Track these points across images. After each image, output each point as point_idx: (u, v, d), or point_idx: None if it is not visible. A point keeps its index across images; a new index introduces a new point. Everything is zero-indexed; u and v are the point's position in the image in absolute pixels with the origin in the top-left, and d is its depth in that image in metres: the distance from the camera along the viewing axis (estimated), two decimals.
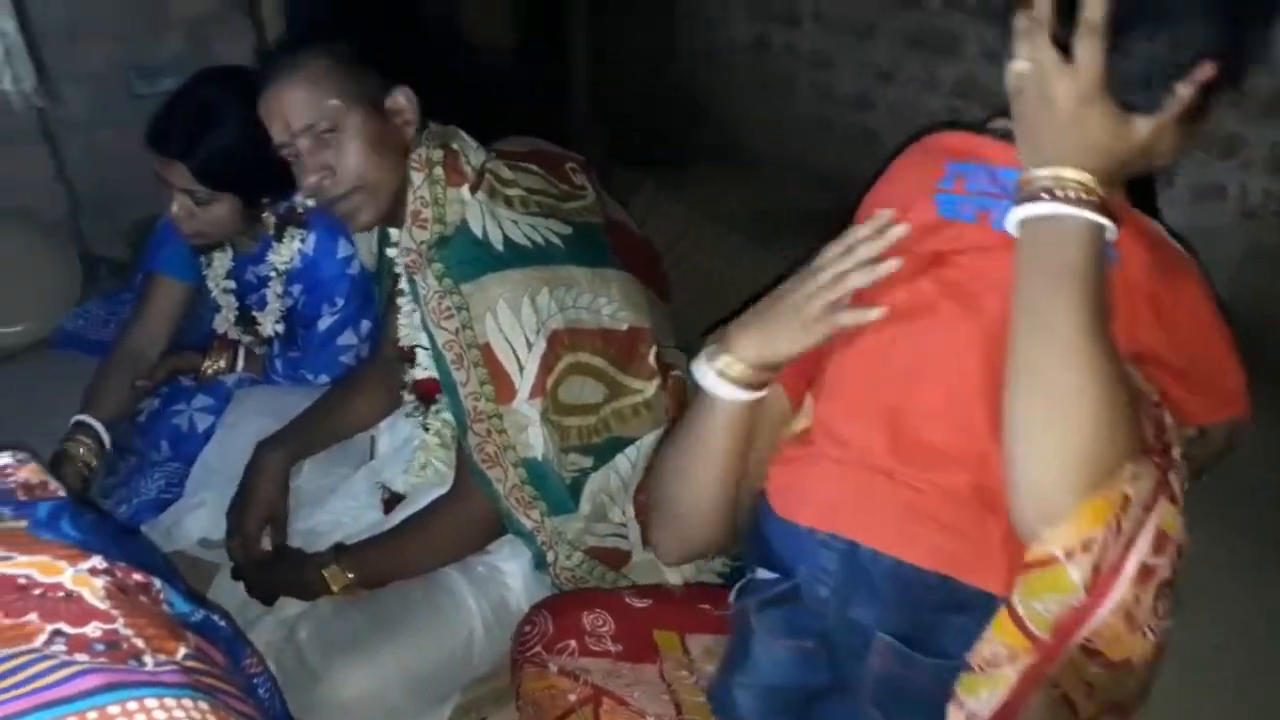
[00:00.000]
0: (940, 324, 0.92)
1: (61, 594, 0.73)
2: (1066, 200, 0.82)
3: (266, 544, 1.48)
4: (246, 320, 1.80)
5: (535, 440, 1.27)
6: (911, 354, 0.94)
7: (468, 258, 1.26)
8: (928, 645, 0.92)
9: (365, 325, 1.75)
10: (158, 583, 0.81)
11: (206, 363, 1.77)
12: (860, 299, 0.97)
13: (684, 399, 1.41)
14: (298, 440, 1.53)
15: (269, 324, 1.77)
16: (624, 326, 1.34)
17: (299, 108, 1.25)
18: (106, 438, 1.68)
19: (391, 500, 1.51)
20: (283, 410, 1.61)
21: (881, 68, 2.40)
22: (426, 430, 1.47)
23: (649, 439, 1.37)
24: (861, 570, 0.93)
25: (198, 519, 1.58)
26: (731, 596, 1.09)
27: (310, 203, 1.66)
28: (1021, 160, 0.87)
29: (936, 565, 0.90)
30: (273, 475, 1.48)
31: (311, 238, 1.70)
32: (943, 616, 0.91)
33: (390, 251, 1.45)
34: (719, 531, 1.07)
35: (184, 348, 1.83)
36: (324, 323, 1.73)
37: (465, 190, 1.29)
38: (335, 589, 1.34)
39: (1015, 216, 0.85)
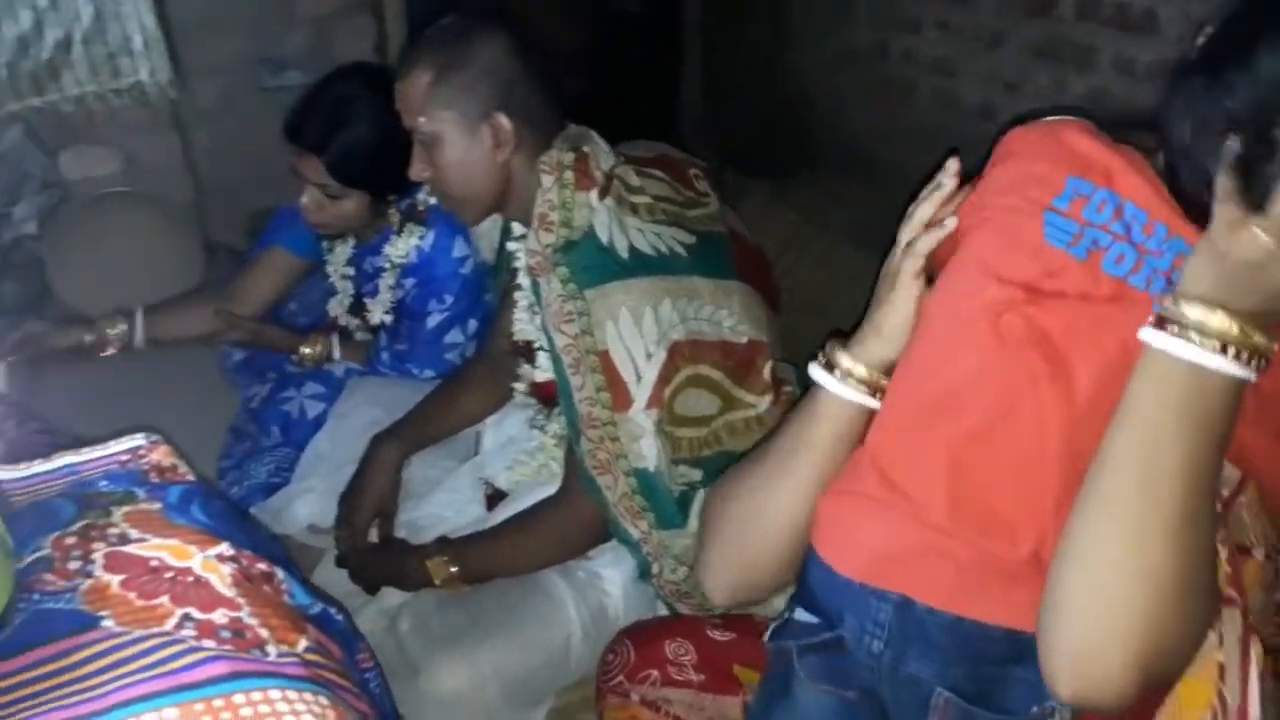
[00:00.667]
0: (1020, 379, 0.82)
1: (191, 579, 0.73)
2: (1236, 360, 0.68)
3: (373, 535, 1.50)
4: (358, 308, 1.84)
5: (648, 451, 1.25)
6: (983, 404, 0.84)
7: (593, 264, 1.25)
8: (989, 700, 0.86)
9: (473, 325, 1.77)
10: (280, 573, 0.81)
11: (305, 348, 1.80)
12: (937, 316, 0.89)
13: None
14: (412, 434, 1.55)
15: (378, 313, 1.81)
16: (743, 340, 1.32)
17: (403, 111, 1.31)
18: (140, 332, 1.78)
19: (494, 496, 1.51)
20: (392, 402, 1.63)
21: (1007, 78, 2.32)
22: (544, 432, 1.47)
23: None
24: (917, 623, 0.87)
25: (307, 504, 1.61)
26: (766, 637, 1.02)
27: (433, 200, 1.69)
28: (1185, 272, 0.72)
29: (1000, 620, 0.85)
30: (387, 468, 1.51)
31: (430, 235, 1.72)
32: (1003, 669, 0.85)
33: (511, 245, 1.46)
34: (786, 564, 0.99)
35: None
36: (432, 320, 1.75)
37: (594, 195, 1.27)
38: (437, 581, 1.35)
39: (1149, 339, 0.71)
